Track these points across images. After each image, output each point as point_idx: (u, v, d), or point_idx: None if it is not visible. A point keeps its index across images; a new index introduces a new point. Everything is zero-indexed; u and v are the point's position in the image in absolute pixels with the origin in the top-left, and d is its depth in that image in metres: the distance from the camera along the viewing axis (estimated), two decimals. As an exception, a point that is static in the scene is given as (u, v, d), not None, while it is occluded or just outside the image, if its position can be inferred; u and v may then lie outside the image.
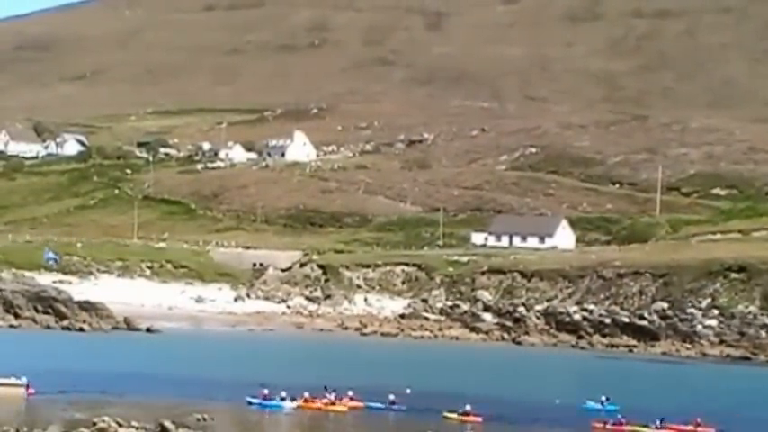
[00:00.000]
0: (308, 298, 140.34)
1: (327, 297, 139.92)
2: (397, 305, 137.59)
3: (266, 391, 68.15)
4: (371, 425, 63.39)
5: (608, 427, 66.03)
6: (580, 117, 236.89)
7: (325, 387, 68.90)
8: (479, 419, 65.51)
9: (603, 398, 72.19)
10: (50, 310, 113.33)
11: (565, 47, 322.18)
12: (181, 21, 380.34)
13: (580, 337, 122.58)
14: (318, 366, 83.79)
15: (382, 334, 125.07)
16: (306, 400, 68.58)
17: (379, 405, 69.04)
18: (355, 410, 67.89)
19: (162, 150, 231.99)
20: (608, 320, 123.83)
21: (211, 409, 62.07)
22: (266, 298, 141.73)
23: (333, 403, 68.79)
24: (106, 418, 56.24)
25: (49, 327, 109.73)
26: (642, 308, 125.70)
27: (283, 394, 67.54)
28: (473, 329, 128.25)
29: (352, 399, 69.62)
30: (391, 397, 69.31)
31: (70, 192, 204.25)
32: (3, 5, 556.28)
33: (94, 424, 55.74)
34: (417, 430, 60.23)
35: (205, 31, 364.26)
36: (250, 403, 67.10)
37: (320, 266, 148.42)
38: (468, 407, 66.74)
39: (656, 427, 65.06)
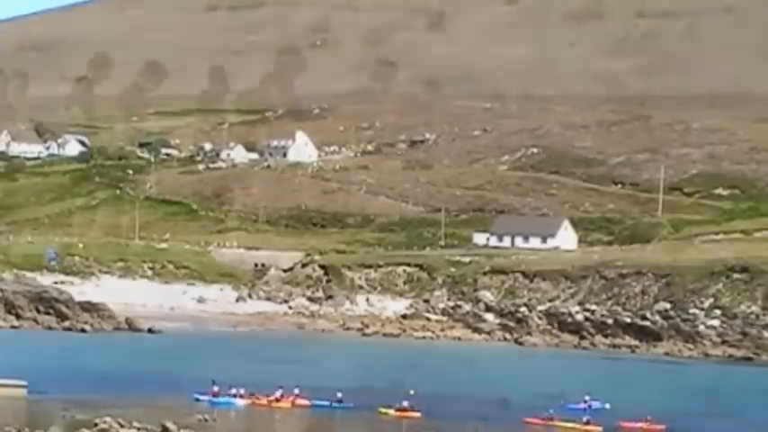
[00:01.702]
0: (309, 298, 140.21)
1: (329, 297, 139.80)
2: (398, 306, 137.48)
3: (216, 389, 68.30)
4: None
5: (538, 422, 66.72)
6: (582, 117, 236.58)
7: (281, 386, 69.32)
8: (418, 415, 65.64)
9: (587, 397, 72.70)
10: (52, 311, 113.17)
11: (567, 47, 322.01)
12: (183, 21, 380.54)
13: (582, 338, 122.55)
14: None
15: (384, 335, 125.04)
16: (251, 396, 68.86)
17: (324, 403, 69.33)
18: (301, 408, 68.04)
19: (163, 151, 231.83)
20: (610, 321, 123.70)
21: (212, 410, 62.07)
22: (268, 298, 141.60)
23: (278, 400, 69.21)
24: (108, 419, 55.95)
25: (50, 327, 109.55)
26: (644, 308, 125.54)
27: (233, 391, 67.68)
28: (475, 330, 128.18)
29: (297, 396, 70.05)
30: (339, 395, 69.50)
31: (72, 192, 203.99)
32: (4, 6, 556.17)
33: (96, 425, 55.46)
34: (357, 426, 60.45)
35: (207, 32, 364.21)
36: (198, 400, 67.05)
37: (322, 267, 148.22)
38: (405, 403, 66.92)
39: (585, 423, 66.24)
